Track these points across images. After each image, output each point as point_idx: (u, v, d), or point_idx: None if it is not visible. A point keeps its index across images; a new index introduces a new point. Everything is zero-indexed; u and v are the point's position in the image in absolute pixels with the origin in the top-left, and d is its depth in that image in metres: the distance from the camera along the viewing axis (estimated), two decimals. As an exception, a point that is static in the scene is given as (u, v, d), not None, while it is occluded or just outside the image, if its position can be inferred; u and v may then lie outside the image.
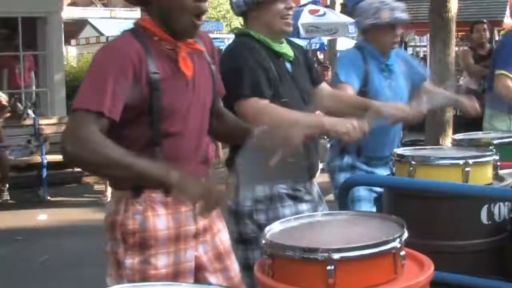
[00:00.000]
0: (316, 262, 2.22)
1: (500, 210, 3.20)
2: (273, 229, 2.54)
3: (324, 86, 3.72)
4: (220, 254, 2.74)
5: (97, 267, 2.82)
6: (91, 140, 2.34)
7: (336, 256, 2.20)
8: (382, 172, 4.14)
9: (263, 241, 2.41)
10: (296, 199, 3.30)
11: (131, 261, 2.52)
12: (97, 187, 9.96)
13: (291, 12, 3.36)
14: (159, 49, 2.55)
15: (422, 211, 3.19)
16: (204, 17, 2.63)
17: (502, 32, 6.67)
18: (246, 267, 3.08)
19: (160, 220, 2.52)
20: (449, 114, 8.40)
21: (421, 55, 27.51)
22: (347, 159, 4.20)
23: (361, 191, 3.99)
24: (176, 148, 2.56)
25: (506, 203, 3.23)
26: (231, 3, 3.45)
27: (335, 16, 15.88)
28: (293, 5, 3.42)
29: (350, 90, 4.01)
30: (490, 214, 3.17)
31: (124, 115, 2.43)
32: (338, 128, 3.06)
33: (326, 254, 2.21)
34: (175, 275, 2.55)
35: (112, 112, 2.39)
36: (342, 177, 3.97)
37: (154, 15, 2.60)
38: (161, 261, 2.53)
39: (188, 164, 2.57)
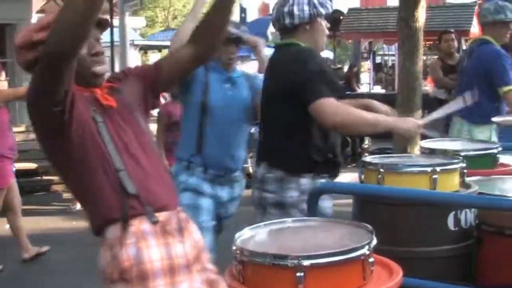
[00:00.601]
0: (286, 269, 2.25)
1: (467, 216, 3.25)
2: (243, 235, 2.57)
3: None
4: (213, 282, 2.64)
5: (71, 275, 2.82)
6: None
7: (305, 262, 2.24)
8: (227, 193, 4.25)
9: (234, 247, 2.43)
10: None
11: None
12: (66, 195, 9.89)
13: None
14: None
15: (390, 217, 3.23)
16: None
17: (468, 43, 6.73)
18: None
19: (153, 251, 2.38)
20: (418, 122, 8.47)
21: (390, 64, 27.74)
22: (193, 180, 4.16)
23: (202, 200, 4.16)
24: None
25: (473, 210, 3.28)
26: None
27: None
28: None
29: None
30: (456, 220, 3.21)
31: None
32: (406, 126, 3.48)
33: (296, 261, 2.24)
34: None
35: None
36: (186, 198, 4.04)
37: None
38: None
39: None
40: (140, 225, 2.37)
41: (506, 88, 5.49)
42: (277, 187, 3.55)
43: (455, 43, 9.55)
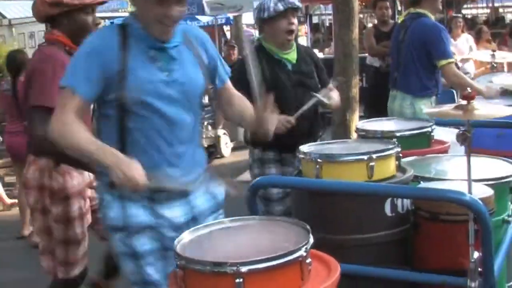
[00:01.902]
0: (225, 275, 2.28)
1: (403, 202, 3.32)
2: (183, 239, 2.59)
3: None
4: None
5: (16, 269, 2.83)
6: None
7: (243, 269, 2.26)
8: (183, 211, 3.08)
9: (175, 254, 2.45)
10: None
11: None
12: (8, 179, 9.77)
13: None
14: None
15: (329, 207, 3.29)
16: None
17: (402, 16, 6.79)
18: None
19: None
20: (355, 89, 8.54)
21: (327, 23, 27.82)
22: (117, 211, 3.04)
23: None
24: None
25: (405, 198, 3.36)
26: None
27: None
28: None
29: None
30: (393, 206, 3.29)
31: None
32: None
33: (234, 268, 2.26)
34: None
35: None
36: (113, 212, 3.01)
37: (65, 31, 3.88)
38: None
39: None
40: None
41: (444, 61, 5.60)
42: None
43: (389, 11, 9.68)
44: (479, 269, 2.94)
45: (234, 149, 11.41)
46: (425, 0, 5.88)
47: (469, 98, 3.04)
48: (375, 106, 8.68)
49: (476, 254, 2.94)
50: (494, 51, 8.25)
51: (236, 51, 12.48)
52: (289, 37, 4.43)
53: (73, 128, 2.82)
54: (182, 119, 3.01)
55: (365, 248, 3.25)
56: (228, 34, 23.44)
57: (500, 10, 35.98)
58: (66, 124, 2.83)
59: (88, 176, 3.98)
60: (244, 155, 10.42)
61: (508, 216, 3.57)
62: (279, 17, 4.36)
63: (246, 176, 8.81)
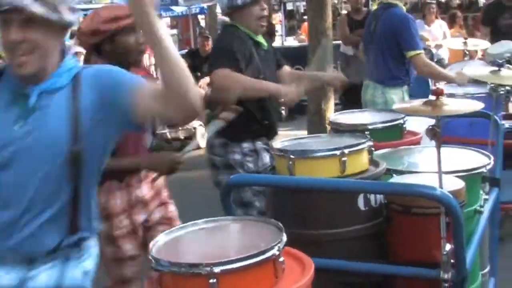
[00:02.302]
0: (200, 276, 2.31)
1: (376, 196, 3.36)
2: (158, 242, 2.61)
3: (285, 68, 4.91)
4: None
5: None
6: None
7: (217, 269, 2.29)
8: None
9: (149, 256, 2.48)
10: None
11: None
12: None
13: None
14: None
15: (303, 203, 3.31)
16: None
17: (374, 4, 6.85)
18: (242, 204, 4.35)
19: None
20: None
21: (302, 10, 27.85)
22: None
23: None
24: None
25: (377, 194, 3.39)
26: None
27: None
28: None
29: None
30: (366, 201, 3.32)
31: None
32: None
33: (208, 268, 2.29)
34: None
35: None
36: None
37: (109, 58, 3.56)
38: None
39: None
40: None
41: (412, 52, 5.68)
42: (222, 151, 4.51)
43: (363, -1, 9.75)
44: (452, 260, 2.99)
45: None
46: None
47: (438, 93, 3.07)
48: (350, 95, 8.73)
49: (448, 247, 2.98)
50: (466, 39, 8.29)
51: (210, 42, 12.45)
52: (262, 23, 4.61)
53: None
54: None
55: (340, 243, 3.28)
56: (202, 23, 23.41)
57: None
58: None
59: (140, 192, 3.84)
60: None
61: (480, 206, 3.62)
62: (253, 4, 4.50)
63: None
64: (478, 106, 3.17)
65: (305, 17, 16.66)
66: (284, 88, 4.40)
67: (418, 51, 5.76)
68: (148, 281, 2.54)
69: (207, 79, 11.14)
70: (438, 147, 3.02)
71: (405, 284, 3.28)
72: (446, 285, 3.00)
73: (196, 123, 11.12)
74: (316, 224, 3.29)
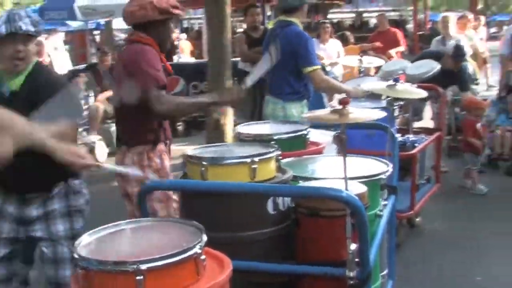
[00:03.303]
0: (126, 274, 2.42)
1: (284, 200, 3.54)
2: (82, 242, 2.71)
3: None
4: None
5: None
6: None
7: (143, 266, 2.42)
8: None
9: (75, 255, 2.58)
10: None
11: None
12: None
13: None
14: None
15: (216, 207, 3.44)
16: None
17: (271, 23, 7.07)
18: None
19: None
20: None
21: (197, 27, 28.00)
22: None
23: None
24: None
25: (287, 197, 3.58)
26: None
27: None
28: None
29: None
30: (275, 205, 3.49)
31: None
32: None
33: (134, 266, 2.41)
34: None
35: None
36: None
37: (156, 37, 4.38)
38: None
39: None
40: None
41: (310, 68, 5.91)
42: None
43: (260, 17, 9.97)
44: (356, 259, 3.20)
45: (110, 154, 11.42)
46: (296, 10, 6.17)
47: (344, 103, 3.29)
48: (248, 111, 8.94)
49: (353, 246, 3.19)
50: (361, 56, 8.67)
51: (109, 58, 12.45)
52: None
53: None
54: None
55: (252, 245, 3.44)
56: (97, 39, 23.26)
57: (365, 15, 37.28)
58: None
59: None
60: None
61: (380, 210, 3.86)
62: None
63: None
64: (380, 114, 3.41)
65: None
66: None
67: (315, 67, 6.00)
68: (74, 280, 2.63)
69: (106, 94, 11.17)
70: (344, 152, 3.24)
71: (313, 284, 3.47)
72: (352, 282, 3.21)
73: (95, 138, 11.11)
74: (228, 227, 3.44)
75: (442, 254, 6.29)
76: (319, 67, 6.10)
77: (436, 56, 8.74)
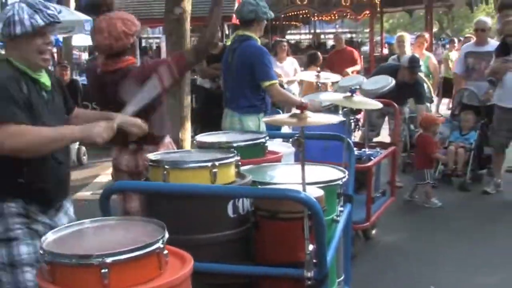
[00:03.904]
0: (92, 267, 2.49)
1: (244, 204, 3.63)
2: (48, 239, 2.76)
3: (76, 110, 4.09)
4: None
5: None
6: None
7: (108, 260, 2.49)
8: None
9: (41, 251, 2.63)
10: None
11: None
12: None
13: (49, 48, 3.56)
14: None
15: (178, 210, 3.52)
16: None
17: (231, 38, 7.20)
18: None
19: None
20: (187, 109, 8.85)
21: (154, 46, 28.09)
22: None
23: None
24: None
25: (249, 198, 3.67)
26: None
27: (70, 13, 15.76)
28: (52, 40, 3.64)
29: None
30: (235, 208, 3.58)
31: None
32: (96, 131, 3.54)
33: (100, 259, 2.48)
34: None
35: None
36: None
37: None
38: None
39: None
40: None
41: (267, 82, 6.04)
42: None
43: (219, 33, 10.08)
44: (314, 260, 3.30)
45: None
46: (252, 24, 6.30)
47: (302, 108, 3.41)
48: (207, 126, 9.03)
49: (311, 247, 3.30)
50: (319, 72, 8.82)
51: (68, 72, 12.47)
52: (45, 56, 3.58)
53: None
54: None
55: (212, 247, 3.51)
56: (55, 55, 23.18)
57: (322, 36, 37.74)
58: None
59: None
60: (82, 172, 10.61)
61: (337, 216, 3.97)
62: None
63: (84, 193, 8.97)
64: (336, 119, 3.53)
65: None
66: (89, 128, 3.57)
67: (272, 81, 6.13)
68: (39, 275, 2.68)
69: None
70: (302, 156, 3.34)
71: (272, 285, 3.56)
72: (310, 283, 3.31)
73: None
74: (189, 229, 3.51)
75: (397, 265, 6.44)
76: (276, 81, 6.22)
77: (392, 69, 8.95)
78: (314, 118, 3.43)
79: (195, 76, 11.05)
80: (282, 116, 3.66)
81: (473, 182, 9.50)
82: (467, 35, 17.02)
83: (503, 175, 9.53)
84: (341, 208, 4.13)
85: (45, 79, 3.59)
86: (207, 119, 9.69)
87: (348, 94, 4.91)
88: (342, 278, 4.34)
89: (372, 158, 6.79)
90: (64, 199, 3.79)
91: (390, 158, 7.68)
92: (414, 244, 7.10)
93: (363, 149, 7.03)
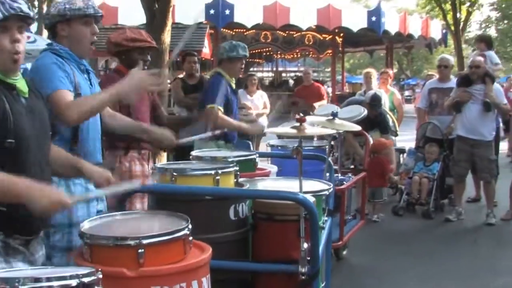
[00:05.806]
0: (129, 247, 2.88)
1: (243, 208, 4.05)
2: (84, 226, 3.13)
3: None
4: None
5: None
6: None
7: (145, 241, 2.89)
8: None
9: (80, 234, 3.02)
10: None
11: None
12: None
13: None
14: None
15: (184, 212, 3.91)
16: None
17: (209, 74, 7.84)
18: None
19: None
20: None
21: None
22: None
23: None
24: None
25: (247, 203, 4.10)
26: None
27: (45, 42, 15.98)
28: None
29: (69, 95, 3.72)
30: (236, 212, 4.00)
31: None
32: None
33: (137, 241, 2.88)
34: None
35: None
36: None
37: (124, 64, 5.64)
38: None
39: None
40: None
41: (208, 106, 6.49)
42: None
43: (197, 65, 10.43)
44: (307, 257, 3.73)
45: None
46: (222, 63, 6.82)
47: (301, 121, 3.88)
48: (180, 154, 9.38)
49: (305, 245, 3.73)
50: (292, 105, 9.29)
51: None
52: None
53: None
54: None
55: (215, 245, 3.87)
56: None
57: (283, 74, 38.38)
58: None
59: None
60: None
61: (323, 223, 4.40)
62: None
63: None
64: (329, 131, 4.00)
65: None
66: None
67: (212, 105, 6.54)
68: (77, 255, 3.06)
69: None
70: (300, 163, 3.79)
71: (268, 280, 3.99)
72: (303, 277, 3.73)
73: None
74: (195, 230, 3.90)
75: (365, 284, 6.94)
76: (217, 106, 6.55)
77: (359, 103, 9.53)
78: (311, 130, 3.92)
79: (172, 108, 11.39)
80: (285, 128, 4.12)
81: (436, 211, 10.02)
82: (429, 73, 17.59)
83: (464, 205, 10.08)
84: (326, 218, 4.57)
85: (21, 83, 3.02)
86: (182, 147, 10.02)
87: (330, 117, 5.37)
88: (323, 284, 4.74)
89: (344, 182, 7.24)
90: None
91: (361, 183, 8.13)
92: (380, 264, 7.60)
93: (336, 174, 7.49)
